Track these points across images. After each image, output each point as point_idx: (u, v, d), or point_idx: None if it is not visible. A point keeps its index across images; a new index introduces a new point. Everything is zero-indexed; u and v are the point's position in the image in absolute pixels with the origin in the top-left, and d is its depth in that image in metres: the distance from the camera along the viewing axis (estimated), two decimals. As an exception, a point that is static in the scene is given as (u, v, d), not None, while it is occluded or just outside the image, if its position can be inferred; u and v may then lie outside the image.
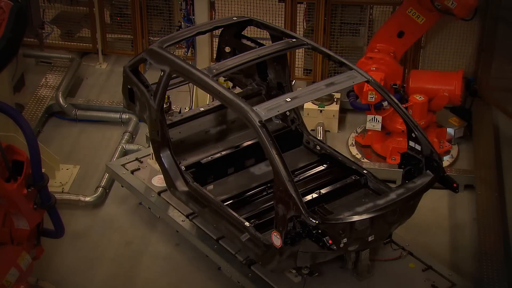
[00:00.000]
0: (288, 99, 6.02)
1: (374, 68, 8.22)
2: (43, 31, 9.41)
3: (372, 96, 8.12)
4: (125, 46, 10.32)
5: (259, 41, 7.38)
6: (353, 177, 6.85)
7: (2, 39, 5.27)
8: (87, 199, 7.94)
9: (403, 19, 8.29)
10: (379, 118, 8.39)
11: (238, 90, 7.87)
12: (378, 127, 8.44)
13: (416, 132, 6.28)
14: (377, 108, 8.33)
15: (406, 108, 7.94)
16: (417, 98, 8.33)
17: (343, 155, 7.15)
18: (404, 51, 8.65)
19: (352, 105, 8.70)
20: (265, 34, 7.34)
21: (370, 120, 8.44)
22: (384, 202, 5.92)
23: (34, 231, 5.99)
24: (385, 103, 8.22)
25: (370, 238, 5.99)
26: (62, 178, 8.32)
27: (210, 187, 7.04)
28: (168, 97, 8.19)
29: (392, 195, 6.01)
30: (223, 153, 7.31)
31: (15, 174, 5.59)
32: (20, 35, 5.50)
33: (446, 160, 8.59)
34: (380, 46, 8.40)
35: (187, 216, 7.15)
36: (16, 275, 5.72)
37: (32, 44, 9.66)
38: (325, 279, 6.45)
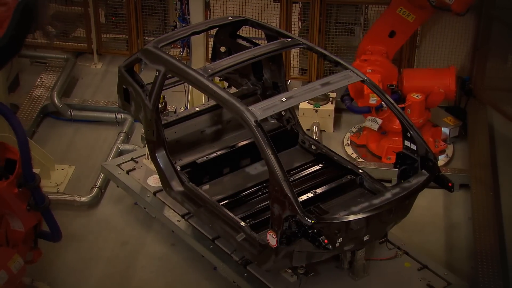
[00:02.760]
0: (284, 99, 6.02)
1: (370, 71, 8.20)
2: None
3: (374, 98, 8.11)
4: (120, 46, 10.31)
5: (254, 41, 7.39)
6: (349, 177, 6.85)
7: (4, 36, 5.16)
8: (83, 199, 7.93)
9: (394, 19, 8.25)
10: (380, 120, 8.38)
11: (233, 90, 7.87)
12: (375, 127, 8.44)
13: (411, 132, 6.29)
14: (377, 109, 8.32)
15: (403, 108, 7.98)
16: (415, 97, 8.34)
17: (338, 155, 7.15)
18: (396, 50, 8.64)
19: (350, 109, 8.64)
20: (261, 34, 7.34)
21: (370, 120, 8.44)
22: (380, 202, 5.93)
23: (30, 234, 5.95)
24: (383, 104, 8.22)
25: (365, 238, 5.99)
26: (57, 178, 8.30)
27: (206, 187, 7.03)
28: (164, 97, 8.17)
29: (388, 195, 6.02)
30: (219, 153, 7.30)
31: (7, 173, 5.54)
32: (24, 33, 5.39)
33: (441, 160, 8.60)
34: (373, 48, 8.36)
35: (182, 216, 7.14)
36: (4, 278, 5.64)
37: (27, 44, 9.63)
38: (320, 279, 6.46)
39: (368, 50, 8.35)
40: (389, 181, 7.76)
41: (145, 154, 7.76)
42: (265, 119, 6.04)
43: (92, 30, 10.05)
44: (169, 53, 7.05)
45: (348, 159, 7.49)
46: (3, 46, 5.16)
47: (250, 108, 5.88)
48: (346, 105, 8.64)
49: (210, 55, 7.93)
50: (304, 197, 6.55)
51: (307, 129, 8.86)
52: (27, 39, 9.73)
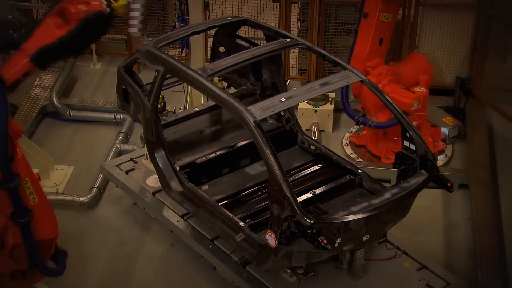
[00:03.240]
0: (283, 99, 6.02)
1: (387, 82, 8.18)
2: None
3: (416, 104, 8.12)
4: (119, 46, 10.31)
5: (253, 41, 7.39)
6: (348, 177, 6.85)
7: (58, 40, 5.05)
8: (82, 199, 7.93)
9: (380, 27, 8.10)
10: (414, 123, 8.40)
11: (232, 90, 7.87)
12: None
13: (410, 132, 6.29)
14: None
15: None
16: (420, 90, 8.30)
17: (337, 155, 7.15)
18: (385, 53, 8.55)
19: (380, 127, 8.39)
20: (260, 34, 7.34)
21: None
22: (379, 202, 5.92)
23: (21, 251, 5.69)
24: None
25: (364, 238, 5.99)
26: (56, 178, 8.30)
27: (205, 187, 7.03)
28: (163, 97, 8.18)
29: (387, 195, 6.01)
30: (218, 153, 7.31)
31: None
32: (79, 43, 5.23)
33: (441, 160, 8.61)
34: (373, 63, 8.24)
35: (182, 216, 7.14)
36: None
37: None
38: (320, 279, 6.46)
39: (369, 67, 8.24)
40: (388, 181, 7.76)
41: (144, 154, 7.76)
42: (264, 119, 6.02)
43: (91, 30, 10.03)
44: (168, 53, 7.05)
45: (347, 159, 7.49)
46: (51, 48, 5.05)
47: (249, 108, 5.88)
48: (371, 125, 8.40)
49: (209, 55, 7.93)
50: (303, 197, 6.55)
51: (306, 129, 8.86)
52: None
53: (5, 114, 5.17)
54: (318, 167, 7.16)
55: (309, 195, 6.62)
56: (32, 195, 5.48)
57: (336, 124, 9.31)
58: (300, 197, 6.46)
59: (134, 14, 5.43)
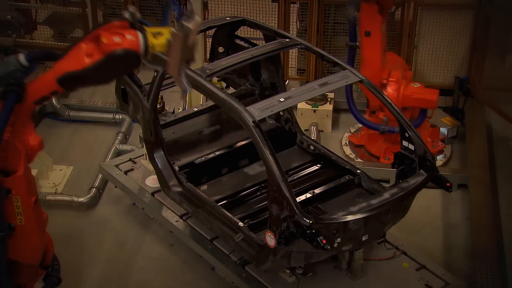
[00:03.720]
0: (282, 99, 6.02)
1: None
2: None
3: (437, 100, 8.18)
4: (118, 46, 10.27)
5: (252, 41, 7.39)
6: (347, 177, 6.85)
7: (82, 70, 4.91)
8: (81, 199, 7.93)
9: (383, 39, 8.02)
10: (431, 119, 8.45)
11: (231, 90, 7.87)
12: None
13: (409, 132, 6.29)
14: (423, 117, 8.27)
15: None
16: (416, 86, 8.28)
17: (336, 155, 7.15)
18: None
19: None
20: (259, 34, 7.34)
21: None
22: (378, 202, 5.92)
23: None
24: None
25: (364, 238, 5.99)
26: (55, 178, 8.30)
27: (204, 187, 7.03)
28: (162, 98, 8.17)
29: (386, 195, 6.01)
30: (217, 153, 7.31)
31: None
32: (107, 76, 5.07)
33: (440, 160, 8.61)
34: (385, 73, 8.15)
35: (181, 217, 7.14)
36: None
37: (24, 45, 9.63)
38: (319, 279, 6.46)
39: (384, 79, 8.12)
40: (387, 181, 7.77)
41: (143, 155, 7.76)
42: (263, 120, 6.01)
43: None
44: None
45: (346, 159, 7.49)
46: (76, 76, 4.95)
47: (248, 108, 5.88)
48: (398, 131, 8.42)
49: (208, 55, 7.93)
50: (303, 197, 6.55)
51: (305, 129, 8.86)
52: (24, 39, 9.77)
53: (2, 125, 5.18)
54: (317, 167, 7.16)
55: (308, 195, 6.62)
56: (19, 215, 5.38)
57: (335, 124, 9.32)
58: (299, 197, 6.46)
59: (174, 54, 4.99)
